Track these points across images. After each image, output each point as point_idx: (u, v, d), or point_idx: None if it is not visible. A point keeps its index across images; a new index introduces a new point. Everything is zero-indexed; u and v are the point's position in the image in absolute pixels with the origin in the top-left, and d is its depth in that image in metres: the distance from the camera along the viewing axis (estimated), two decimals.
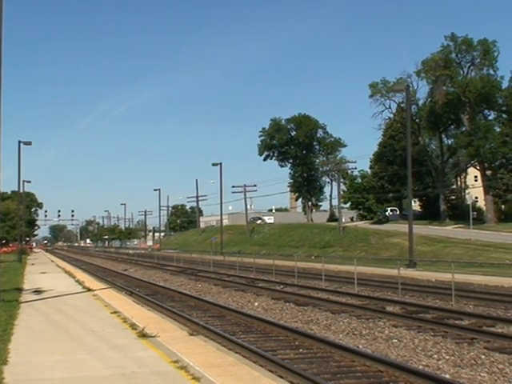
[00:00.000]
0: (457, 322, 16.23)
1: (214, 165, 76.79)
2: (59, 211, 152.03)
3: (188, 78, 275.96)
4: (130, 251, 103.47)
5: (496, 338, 13.46)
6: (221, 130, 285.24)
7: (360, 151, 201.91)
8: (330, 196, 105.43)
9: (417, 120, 73.64)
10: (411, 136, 47.08)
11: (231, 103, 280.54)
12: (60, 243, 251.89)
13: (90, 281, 29.80)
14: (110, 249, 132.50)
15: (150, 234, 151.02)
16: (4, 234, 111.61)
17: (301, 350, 12.59)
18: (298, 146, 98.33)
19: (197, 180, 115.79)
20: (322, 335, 14.60)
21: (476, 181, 79.75)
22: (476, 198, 76.42)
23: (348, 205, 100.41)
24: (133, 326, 13.45)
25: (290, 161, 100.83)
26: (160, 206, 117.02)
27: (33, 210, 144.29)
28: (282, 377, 9.71)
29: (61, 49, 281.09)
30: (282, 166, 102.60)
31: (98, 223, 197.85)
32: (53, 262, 61.11)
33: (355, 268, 27.54)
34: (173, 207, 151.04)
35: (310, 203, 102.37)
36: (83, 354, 10.46)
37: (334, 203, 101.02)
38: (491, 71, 66.13)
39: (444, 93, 66.39)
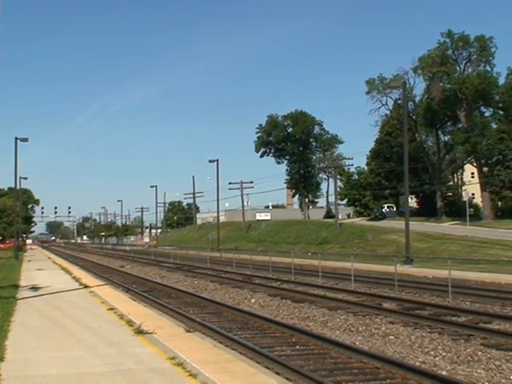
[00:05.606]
0: (453, 318, 16.23)
1: (210, 161, 76.87)
2: (56, 208, 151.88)
3: (184, 74, 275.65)
4: (127, 248, 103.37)
5: (493, 334, 13.47)
6: (217, 127, 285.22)
7: (357, 148, 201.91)
8: (327, 193, 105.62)
9: (413, 117, 73.75)
10: (408, 133, 47.07)
11: (228, 100, 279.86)
12: (57, 240, 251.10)
13: (87, 277, 29.76)
14: (107, 245, 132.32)
15: (147, 230, 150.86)
16: (1, 231, 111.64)
17: (297, 347, 12.59)
18: (294, 143, 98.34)
19: (193, 177, 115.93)
20: (319, 332, 14.59)
21: (473, 177, 79.84)
22: (473, 194, 76.58)
23: (345, 201, 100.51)
24: (129, 323, 13.43)
25: (287, 157, 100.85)
26: (157, 203, 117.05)
27: (29, 206, 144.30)
28: (278, 373, 9.69)
29: (57, 46, 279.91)
30: (278, 163, 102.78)
31: (95, 220, 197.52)
32: (49, 258, 61.00)
33: (352, 265, 27.50)
34: (169, 204, 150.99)
35: (306, 200, 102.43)
36: (80, 350, 10.45)
37: (330, 200, 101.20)
38: (488, 68, 66.31)
39: (441, 89, 66.49)
